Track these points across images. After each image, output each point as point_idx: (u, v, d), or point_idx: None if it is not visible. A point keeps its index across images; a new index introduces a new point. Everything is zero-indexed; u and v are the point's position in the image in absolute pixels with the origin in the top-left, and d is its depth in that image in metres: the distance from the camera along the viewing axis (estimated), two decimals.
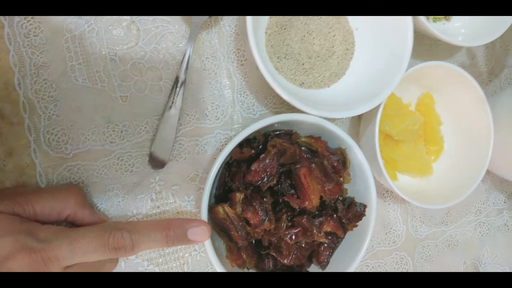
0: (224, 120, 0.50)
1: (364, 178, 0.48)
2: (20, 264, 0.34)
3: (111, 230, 0.36)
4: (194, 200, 0.50)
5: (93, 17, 0.45)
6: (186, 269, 0.50)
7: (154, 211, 0.48)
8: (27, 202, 0.38)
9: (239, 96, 0.51)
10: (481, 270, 0.65)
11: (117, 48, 0.46)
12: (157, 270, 0.48)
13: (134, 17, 0.46)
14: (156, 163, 0.47)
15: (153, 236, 0.38)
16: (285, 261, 0.45)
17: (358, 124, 0.56)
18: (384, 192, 0.59)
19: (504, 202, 0.67)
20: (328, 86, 0.52)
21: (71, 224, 0.42)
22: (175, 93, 0.46)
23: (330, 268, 0.48)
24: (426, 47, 0.60)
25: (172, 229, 0.39)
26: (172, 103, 0.46)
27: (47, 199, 0.40)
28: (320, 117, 0.46)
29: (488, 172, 0.60)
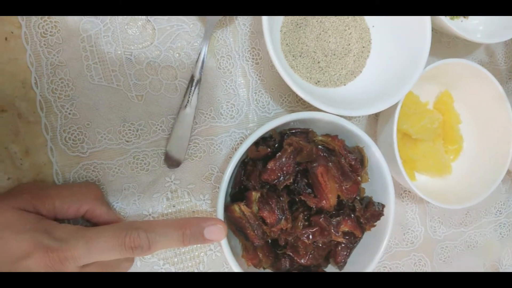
0: (239, 119, 0.50)
1: (382, 177, 0.47)
2: (37, 263, 0.34)
3: (127, 229, 0.36)
4: (209, 199, 0.49)
5: (109, 16, 0.45)
6: (201, 268, 0.49)
7: (170, 210, 0.48)
8: (47, 196, 0.39)
9: (254, 95, 0.51)
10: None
11: (132, 48, 0.46)
12: (172, 269, 0.48)
13: (149, 16, 0.46)
14: (172, 162, 0.47)
15: (169, 235, 0.38)
16: (302, 261, 0.44)
17: (375, 123, 0.55)
18: (402, 192, 0.58)
19: None
20: (344, 85, 0.52)
21: (88, 221, 0.42)
22: (190, 92, 0.46)
23: (347, 269, 0.47)
24: (444, 45, 0.59)
25: (189, 228, 0.39)
26: (187, 102, 0.46)
27: (66, 194, 0.40)
28: (337, 115, 0.45)
29: (509, 172, 0.59)
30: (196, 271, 0.49)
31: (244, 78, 0.50)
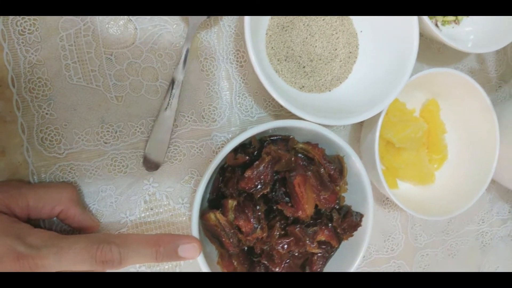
0: (221, 122, 0.49)
1: (362, 187, 0.46)
2: (6, 268, 0.34)
3: (99, 242, 0.36)
4: (188, 203, 0.49)
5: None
6: (178, 271, 0.49)
7: (147, 213, 0.48)
8: (21, 195, 0.38)
9: (238, 98, 0.50)
10: None
11: (113, 47, 0.45)
12: (148, 271, 0.48)
13: (131, 16, 0.45)
14: (150, 165, 0.46)
15: (142, 251, 0.38)
16: (277, 269, 0.44)
17: (360, 129, 0.55)
18: (384, 199, 0.58)
19: (509, 212, 0.65)
20: (330, 90, 0.51)
21: (62, 221, 0.42)
22: (171, 94, 0.45)
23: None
24: (434, 51, 0.58)
25: (163, 245, 0.38)
26: (168, 104, 0.46)
27: (41, 193, 0.40)
28: (319, 124, 0.44)
29: (493, 181, 0.58)
30: (174, 272, 0.49)
31: (228, 81, 0.49)
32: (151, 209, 0.48)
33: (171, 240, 0.39)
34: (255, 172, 0.42)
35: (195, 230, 0.41)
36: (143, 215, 0.47)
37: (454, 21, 0.56)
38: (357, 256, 0.46)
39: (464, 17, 0.56)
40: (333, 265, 0.47)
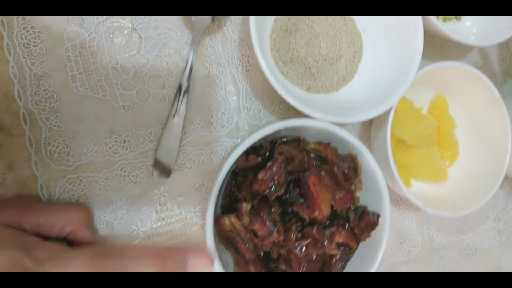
0: (230, 127, 0.49)
1: (376, 185, 0.45)
2: None
3: (101, 257, 0.34)
4: (200, 211, 0.48)
5: (94, 25, 0.44)
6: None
7: (159, 223, 0.46)
8: (32, 212, 0.38)
9: (245, 102, 0.49)
10: None
11: (118, 57, 0.45)
12: None
13: (135, 24, 0.45)
14: (162, 169, 0.45)
15: (147, 265, 0.35)
16: None
17: (369, 128, 0.54)
18: (398, 199, 0.57)
19: None
20: (336, 90, 0.51)
21: (70, 241, 0.41)
22: (178, 101, 0.45)
23: None
24: (437, 48, 0.58)
25: (169, 259, 0.36)
26: (176, 111, 0.45)
27: (53, 212, 0.39)
28: (329, 122, 0.44)
29: (506, 177, 0.57)
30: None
31: (234, 85, 0.49)
32: (163, 219, 0.47)
33: (179, 254, 0.37)
34: (268, 174, 0.41)
35: (209, 238, 0.40)
36: (154, 225, 0.46)
37: (455, 17, 0.56)
38: (376, 257, 0.45)
39: None
40: (352, 268, 0.46)
